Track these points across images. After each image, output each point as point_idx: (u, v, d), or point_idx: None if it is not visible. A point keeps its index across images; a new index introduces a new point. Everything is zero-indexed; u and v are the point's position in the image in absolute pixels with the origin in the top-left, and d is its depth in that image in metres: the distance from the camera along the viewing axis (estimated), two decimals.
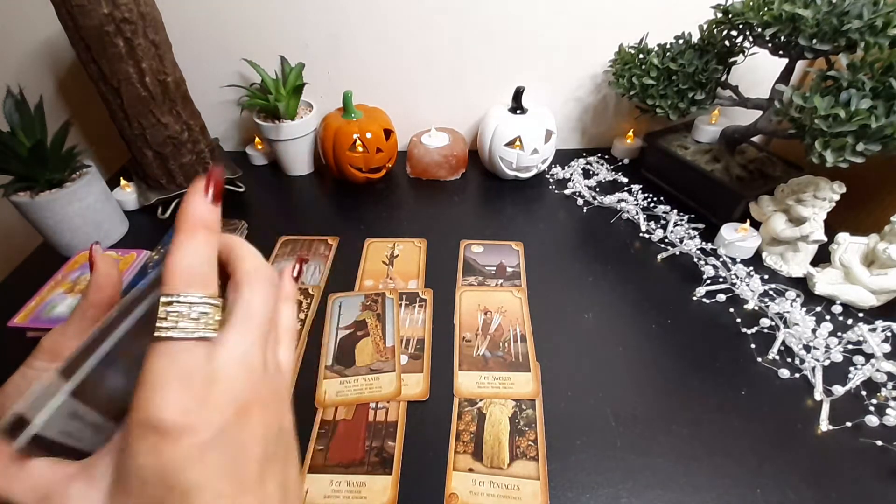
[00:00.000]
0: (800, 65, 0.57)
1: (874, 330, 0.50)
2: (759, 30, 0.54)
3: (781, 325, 0.52)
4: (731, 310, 0.55)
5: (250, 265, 0.21)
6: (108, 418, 0.19)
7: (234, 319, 0.19)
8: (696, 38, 0.65)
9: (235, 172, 0.74)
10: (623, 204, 0.70)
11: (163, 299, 0.17)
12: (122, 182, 0.72)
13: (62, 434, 0.18)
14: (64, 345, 0.22)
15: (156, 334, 0.17)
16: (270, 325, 0.20)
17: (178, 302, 0.17)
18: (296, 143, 0.77)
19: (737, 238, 0.60)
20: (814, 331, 0.51)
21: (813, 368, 0.48)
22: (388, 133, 0.75)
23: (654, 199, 0.72)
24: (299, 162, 0.80)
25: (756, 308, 0.54)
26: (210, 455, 0.16)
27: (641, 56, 0.67)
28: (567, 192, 0.75)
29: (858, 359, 0.48)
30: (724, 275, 0.58)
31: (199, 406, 0.16)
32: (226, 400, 0.17)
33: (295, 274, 0.25)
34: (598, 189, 0.75)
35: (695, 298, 0.56)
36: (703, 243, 0.62)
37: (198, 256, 0.18)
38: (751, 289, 0.56)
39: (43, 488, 0.17)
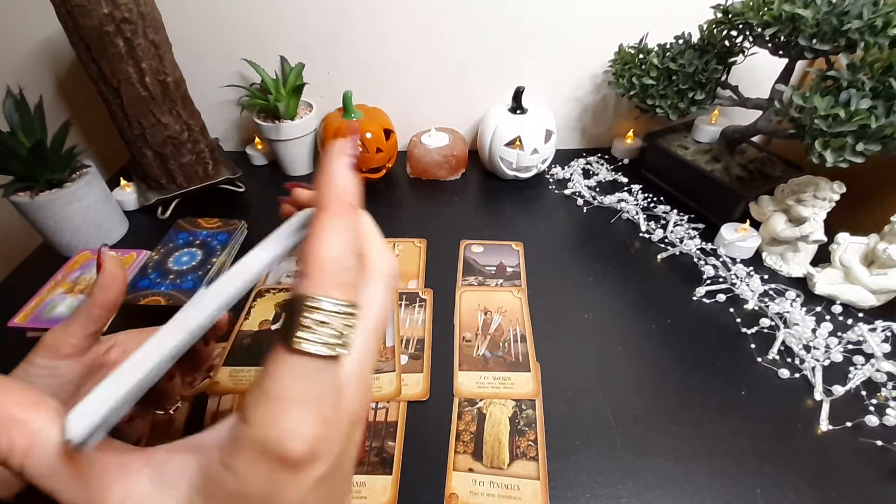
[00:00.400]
0: (800, 65, 0.57)
1: (874, 330, 0.50)
2: (759, 30, 0.54)
3: (781, 325, 0.52)
4: (731, 310, 0.55)
5: (378, 253, 0.18)
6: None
7: (361, 322, 0.16)
8: (696, 38, 0.65)
9: (235, 172, 0.74)
10: (623, 204, 0.70)
11: (306, 302, 0.14)
12: (122, 182, 0.72)
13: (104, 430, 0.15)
14: (66, 342, 0.22)
15: (293, 344, 0.14)
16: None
17: (324, 310, 0.14)
18: (296, 143, 0.77)
19: (737, 238, 0.60)
20: (814, 331, 0.51)
21: (813, 368, 0.48)
22: (388, 133, 0.75)
23: (654, 199, 0.72)
24: (299, 162, 0.80)
25: (756, 308, 0.54)
26: (324, 485, 0.14)
27: (641, 56, 0.67)
28: (567, 192, 0.75)
29: (858, 359, 0.48)
30: (724, 275, 0.58)
31: (328, 434, 0.14)
32: (346, 423, 0.15)
33: None
34: (598, 189, 0.75)
35: (695, 298, 0.56)
36: (703, 243, 0.62)
37: (347, 248, 0.15)
38: (751, 289, 0.56)
39: (94, 479, 0.14)
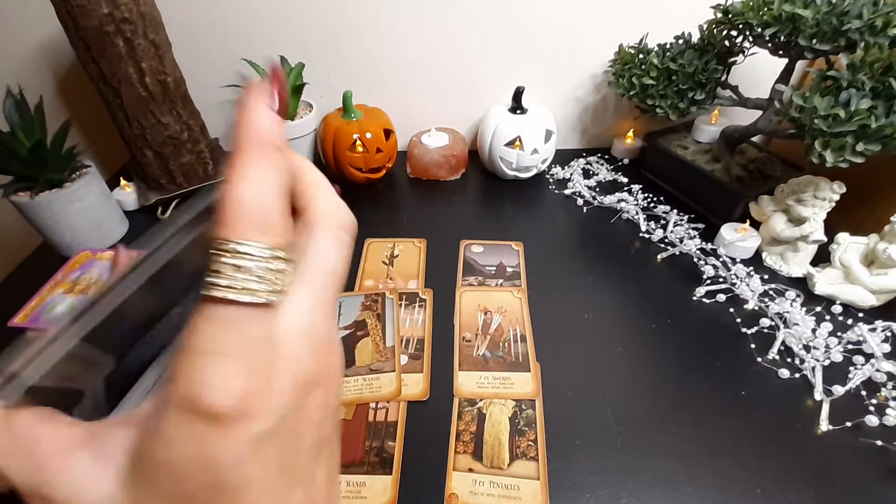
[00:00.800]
0: (800, 65, 0.57)
1: (874, 330, 0.50)
2: (759, 30, 0.54)
3: (781, 325, 0.52)
4: (731, 310, 0.55)
5: (327, 203, 0.17)
6: (107, 352, 0.16)
7: (304, 276, 0.15)
8: (696, 38, 0.65)
9: None
10: (623, 204, 0.70)
11: (219, 246, 0.13)
12: (122, 182, 0.72)
13: (58, 379, 0.14)
14: None
15: (208, 292, 0.13)
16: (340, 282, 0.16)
17: (239, 253, 0.13)
18: (296, 143, 0.77)
19: (737, 238, 0.60)
20: (814, 331, 0.51)
21: (813, 368, 0.48)
22: (388, 133, 0.75)
23: (654, 199, 0.72)
24: None
25: (756, 308, 0.54)
26: (268, 448, 0.13)
27: (641, 56, 0.67)
28: (567, 192, 0.75)
29: (858, 359, 0.48)
30: (724, 275, 0.58)
31: (261, 388, 0.13)
32: (289, 380, 0.14)
33: None
34: (598, 189, 0.75)
35: (695, 298, 0.56)
36: (703, 243, 0.62)
37: (268, 189, 0.14)
38: (751, 289, 0.56)
39: (35, 457, 0.13)
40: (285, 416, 0.13)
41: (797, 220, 0.57)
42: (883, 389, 0.46)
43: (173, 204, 0.72)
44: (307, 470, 0.15)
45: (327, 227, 0.16)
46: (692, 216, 0.68)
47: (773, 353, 0.50)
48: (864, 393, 0.45)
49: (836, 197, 0.55)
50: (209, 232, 0.13)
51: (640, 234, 0.66)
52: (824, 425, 0.44)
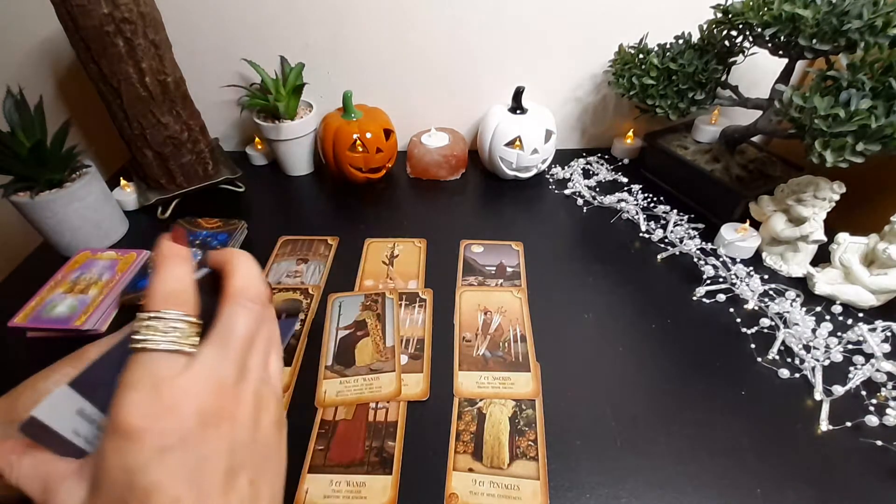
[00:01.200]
0: (800, 65, 0.57)
1: (874, 330, 0.50)
2: (759, 30, 0.54)
3: (781, 325, 0.52)
4: (731, 310, 0.55)
5: (239, 282, 0.22)
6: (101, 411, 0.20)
7: (213, 335, 0.20)
8: (696, 38, 0.65)
9: (235, 172, 0.74)
10: (623, 204, 0.70)
11: (140, 315, 0.19)
12: (122, 182, 0.72)
13: (72, 433, 0.19)
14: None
15: (130, 346, 0.18)
16: (258, 339, 0.22)
17: (153, 317, 0.19)
18: (296, 143, 0.77)
19: (737, 238, 0.60)
20: (814, 331, 0.51)
21: (813, 368, 0.48)
22: (388, 133, 0.75)
23: (654, 199, 0.72)
24: (299, 162, 0.80)
25: (756, 308, 0.54)
26: (170, 460, 0.17)
27: (641, 56, 0.67)
28: (567, 192, 0.75)
29: (858, 359, 0.48)
30: (724, 275, 0.58)
31: (163, 412, 0.17)
32: (190, 410, 0.18)
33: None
34: (598, 189, 0.75)
35: (695, 298, 0.56)
36: (703, 243, 0.62)
37: (174, 279, 0.20)
38: (751, 289, 0.56)
39: (44, 479, 0.19)
40: (185, 437, 0.18)
41: (797, 220, 0.57)
42: (883, 389, 0.46)
43: (173, 204, 0.72)
44: (218, 490, 0.18)
45: (238, 300, 0.21)
46: (692, 216, 0.68)
47: (773, 353, 0.50)
48: (864, 393, 0.45)
49: (836, 197, 0.55)
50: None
51: (640, 234, 0.66)
52: (824, 425, 0.44)
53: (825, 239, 0.56)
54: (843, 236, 0.55)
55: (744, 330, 0.52)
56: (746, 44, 0.61)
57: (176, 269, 0.21)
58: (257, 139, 0.84)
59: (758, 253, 0.61)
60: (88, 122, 0.84)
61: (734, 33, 0.60)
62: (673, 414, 0.45)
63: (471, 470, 0.41)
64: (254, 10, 0.72)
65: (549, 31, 0.74)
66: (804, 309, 0.53)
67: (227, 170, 0.74)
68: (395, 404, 0.46)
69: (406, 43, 0.76)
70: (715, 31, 0.62)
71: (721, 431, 0.44)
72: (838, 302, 0.54)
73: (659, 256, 0.62)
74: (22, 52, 0.76)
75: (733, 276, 0.58)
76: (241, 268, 0.23)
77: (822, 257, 0.57)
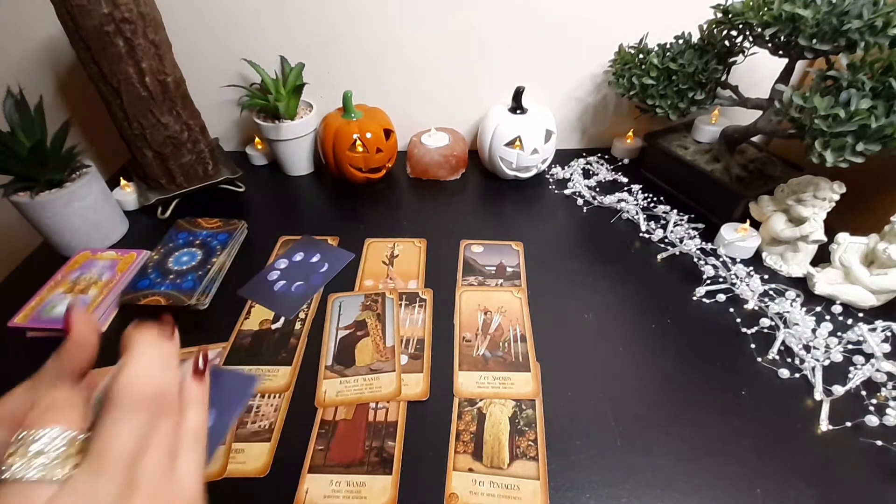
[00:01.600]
0: (800, 65, 0.57)
1: (874, 330, 0.50)
2: (759, 30, 0.54)
3: (781, 325, 0.52)
4: (731, 310, 0.55)
5: (122, 381, 0.19)
6: None
7: (88, 453, 0.18)
8: (696, 38, 0.65)
9: (235, 172, 0.74)
10: (623, 204, 0.70)
11: (16, 435, 0.17)
12: (122, 182, 0.72)
13: None
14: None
15: None
16: (152, 444, 0.19)
17: (21, 438, 0.17)
18: (296, 143, 0.77)
19: (737, 238, 0.60)
20: (814, 331, 0.51)
21: (813, 368, 0.48)
22: (388, 133, 0.75)
23: (654, 199, 0.72)
24: (299, 162, 0.80)
25: (756, 308, 0.54)
26: None
27: (641, 56, 0.67)
28: (567, 192, 0.75)
29: (858, 359, 0.48)
30: (724, 275, 0.58)
31: None
32: None
33: (201, 367, 0.23)
34: (598, 189, 0.75)
35: (695, 298, 0.56)
36: (703, 243, 0.62)
37: (60, 386, 0.19)
38: (751, 289, 0.56)
39: None
40: None
41: (797, 220, 0.57)
42: (883, 389, 0.46)
43: (173, 204, 0.72)
44: None
45: (116, 405, 0.19)
46: (692, 216, 0.68)
47: (773, 353, 0.50)
48: (864, 393, 0.45)
49: (836, 197, 0.55)
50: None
51: (640, 234, 0.66)
52: (824, 425, 0.44)
53: (825, 239, 0.56)
54: (843, 236, 0.55)
55: (744, 330, 0.52)
56: (746, 44, 0.61)
57: (63, 376, 0.19)
58: (257, 139, 0.84)
59: (758, 253, 0.61)
60: (88, 122, 0.84)
61: (734, 33, 0.60)
62: (673, 414, 0.45)
63: (471, 470, 0.41)
64: (254, 10, 0.72)
65: (549, 31, 0.74)
66: (804, 309, 0.53)
67: (227, 170, 0.74)
68: (395, 404, 0.46)
69: (406, 43, 0.75)
70: (715, 31, 0.62)
71: (721, 431, 0.44)
72: (838, 302, 0.54)
73: (659, 256, 0.62)
74: (22, 52, 0.76)
75: (733, 276, 0.58)
76: (132, 360, 0.20)
77: (822, 257, 0.57)
